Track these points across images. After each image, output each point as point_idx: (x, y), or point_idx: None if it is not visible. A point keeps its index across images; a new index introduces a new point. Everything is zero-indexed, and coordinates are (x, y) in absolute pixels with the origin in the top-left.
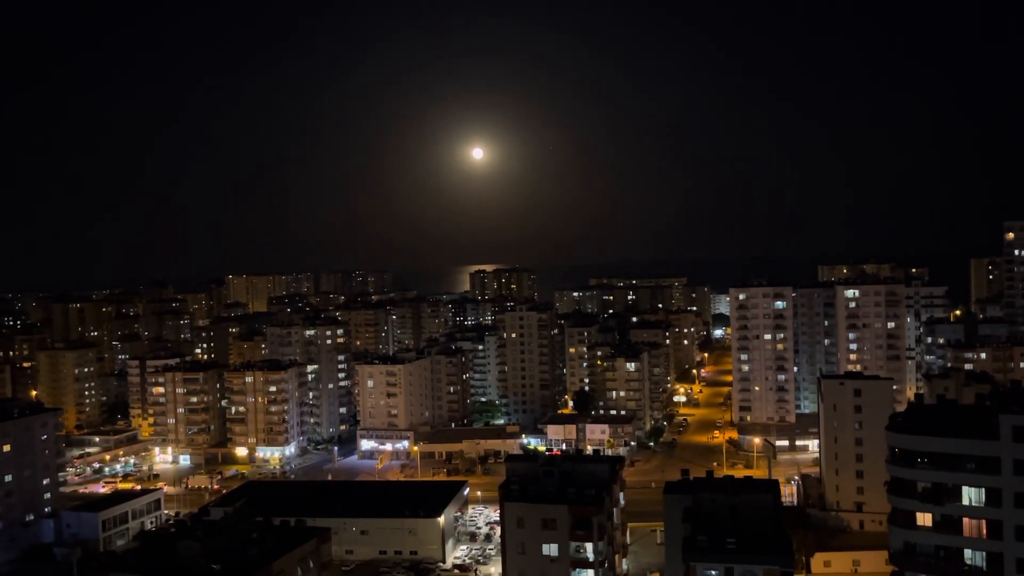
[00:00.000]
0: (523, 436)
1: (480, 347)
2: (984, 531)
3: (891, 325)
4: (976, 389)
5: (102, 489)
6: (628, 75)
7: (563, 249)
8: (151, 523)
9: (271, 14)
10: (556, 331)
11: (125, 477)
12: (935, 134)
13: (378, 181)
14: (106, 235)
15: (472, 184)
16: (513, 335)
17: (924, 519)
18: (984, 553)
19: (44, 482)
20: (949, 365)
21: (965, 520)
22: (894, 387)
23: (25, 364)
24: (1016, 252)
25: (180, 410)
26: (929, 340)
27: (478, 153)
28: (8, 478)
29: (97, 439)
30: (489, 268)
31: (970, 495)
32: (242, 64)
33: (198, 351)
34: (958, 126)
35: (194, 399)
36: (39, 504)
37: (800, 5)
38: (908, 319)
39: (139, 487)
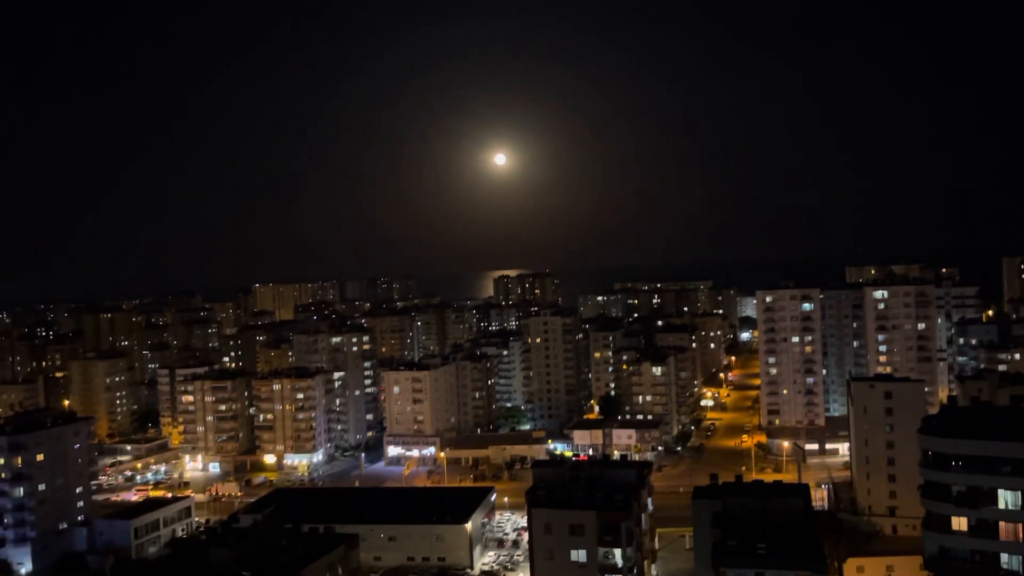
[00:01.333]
0: (549, 441)
1: (505, 352)
2: (1021, 535)
3: (921, 326)
4: (1011, 391)
5: (134, 497)
6: (650, 77)
7: (586, 253)
8: (182, 530)
9: (288, 13)
10: (581, 336)
11: (156, 485)
12: (967, 130)
13: (401, 187)
14: (135, 245)
15: (495, 189)
16: (538, 340)
17: (959, 523)
18: (1021, 557)
19: (77, 490)
20: (982, 366)
21: (1001, 524)
22: (926, 389)
23: (57, 374)
24: None
25: (209, 418)
26: (961, 341)
27: (500, 159)
28: (42, 487)
29: (128, 447)
30: (512, 273)
31: (1006, 498)
32: (263, 68)
33: (226, 359)
34: (988, 121)
35: (222, 407)
36: (72, 512)
37: (826, 5)
38: (939, 320)
39: (170, 495)
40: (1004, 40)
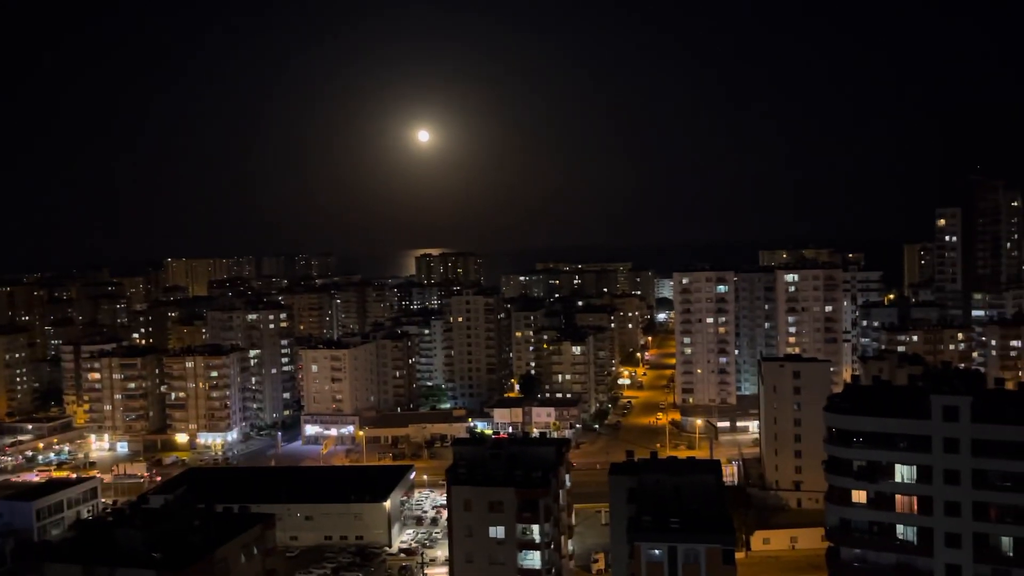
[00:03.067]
0: (470, 420)
1: (426, 331)
2: (915, 507)
3: (829, 309)
4: (909, 370)
5: (36, 478)
6: (576, 63)
7: (510, 233)
8: (88, 512)
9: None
10: (503, 315)
11: (60, 465)
12: (877, 127)
13: (324, 163)
14: (37, 215)
15: (418, 168)
16: (459, 319)
17: (859, 496)
18: (915, 528)
19: None
20: (883, 347)
21: (898, 497)
22: (831, 369)
23: None
24: (947, 238)
25: (117, 396)
26: (865, 323)
27: (424, 136)
28: None
29: (30, 427)
30: (435, 252)
31: (902, 472)
32: (192, 42)
33: (136, 336)
34: (897, 118)
35: (132, 385)
36: None
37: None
38: (845, 303)
39: (75, 475)
40: (916, 26)
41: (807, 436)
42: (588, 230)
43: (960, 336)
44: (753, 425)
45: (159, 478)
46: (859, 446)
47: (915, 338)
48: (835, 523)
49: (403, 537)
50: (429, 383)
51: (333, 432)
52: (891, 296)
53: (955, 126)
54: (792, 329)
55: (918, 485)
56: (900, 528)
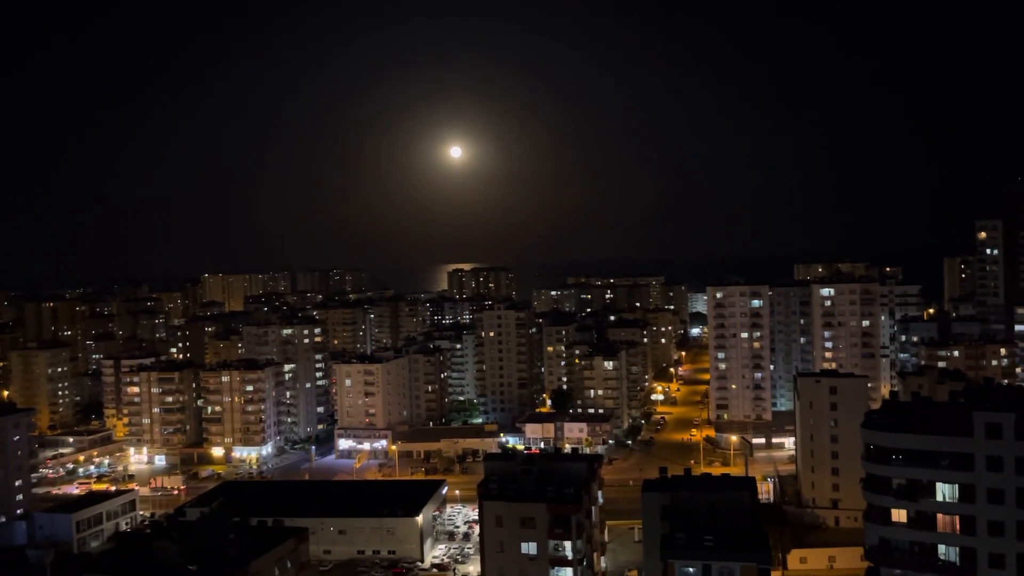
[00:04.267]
0: (501, 435)
1: (458, 346)
2: (958, 527)
3: (866, 323)
4: (949, 386)
5: (76, 490)
6: (605, 77)
7: (541, 248)
8: (126, 524)
9: (249, 8)
10: (534, 330)
11: (99, 478)
12: (912, 134)
13: (356, 179)
14: (80, 233)
15: (450, 183)
16: (491, 334)
17: (899, 515)
18: (957, 548)
19: (16, 483)
20: (923, 363)
21: (939, 516)
22: (869, 385)
23: None
24: (988, 251)
25: (155, 410)
26: (903, 338)
27: (456, 152)
28: None
29: (71, 440)
30: (467, 267)
31: (944, 491)
32: (219, 59)
33: (173, 351)
34: (932, 125)
35: (169, 399)
36: (11, 506)
37: (770, 15)
38: (882, 317)
39: (113, 488)
40: (948, 42)
41: (845, 453)
42: (618, 244)
43: (1003, 351)
44: (789, 442)
45: (183, 488)
46: (898, 464)
47: (956, 353)
48: (874, 543)
49: (435, 552)
50: (461, 398)
51: (366, 446)
52: (931, 310)
53: (991, 135)
54: (828, 344)
55: (960, 504)
56: (942, 548)
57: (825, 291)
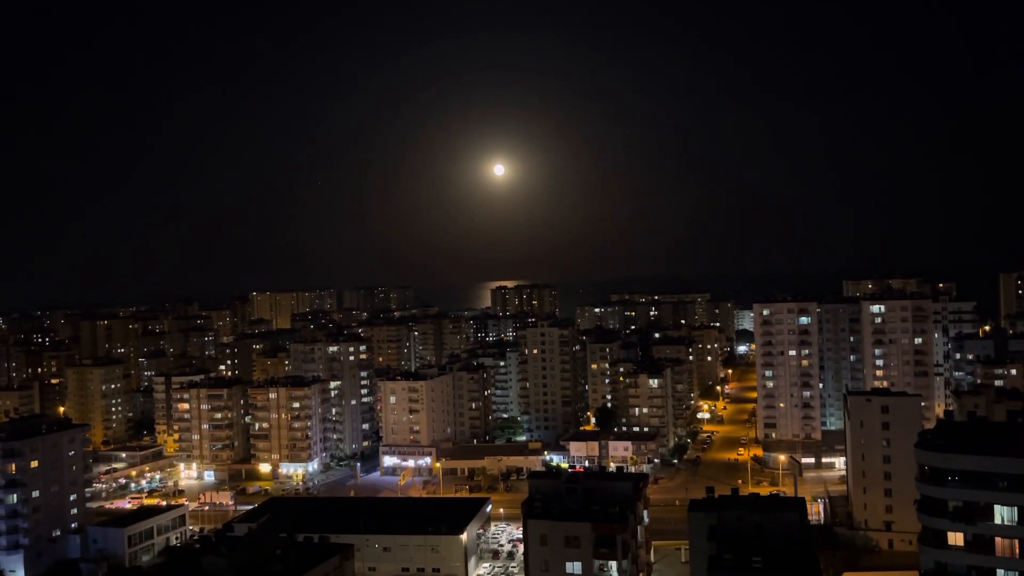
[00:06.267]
0: (545, 453)
1: (502, 363)
2: (1017, 551)
3: (918, 341)
4: (1007, 406)
5: (128, 505)
6: (647, 92)
7: (585, 265)
8: (176, 539)
9: (284, 24)
10: (578, 347)
11: (150, 493)
12: (965, 148)
13: (399, 197)
14: (133, 251)
15: (494, 201)
16: (535, 351)
17: (955, 538)
18: (1017, 573)
19: (71, 498)
20: (979, 381)
21: (997, 539)
22: (922, 404)
23: (54, 380)
24: None
25: (204, 426)
26: (958, 356)
27: (499, 170)
28: (36, 494)
29: (123, 455)
30: (510, 284)
31: (1003, 514)
32: (264, 78)
33: (222, 367)
34: (986, 139)
35: (218, 415)
36: (66, 520)
37: (813, 22)
38: (936, 335)
39: (164, 503)
40: (997, 59)
41: (897, 474)
42: (664, 260)
43: None
44: (839, 461)
45: (229, 501)
46: (954, 485)
47: (1013, 371)
48: (930, 567)
49: (479, 571)
50: (505, 415)
51: (411, 463)
52: (986, 327)
53: None
54: (879, 362)
55: (1020, 527)
56: (1000, 573)
57: (875, 308)
